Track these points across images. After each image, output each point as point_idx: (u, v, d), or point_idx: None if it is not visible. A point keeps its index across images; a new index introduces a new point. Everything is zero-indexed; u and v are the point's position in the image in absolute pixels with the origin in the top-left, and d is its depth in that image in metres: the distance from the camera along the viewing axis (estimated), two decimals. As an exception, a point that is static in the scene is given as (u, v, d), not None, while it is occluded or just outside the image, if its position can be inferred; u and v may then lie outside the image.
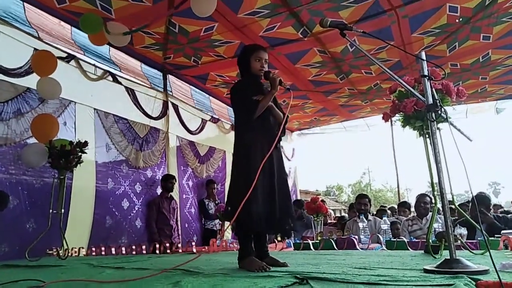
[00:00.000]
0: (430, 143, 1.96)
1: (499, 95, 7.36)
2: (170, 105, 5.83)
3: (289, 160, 9.10)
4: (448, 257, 1.74)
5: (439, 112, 1.86)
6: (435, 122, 1.88)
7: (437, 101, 1.88)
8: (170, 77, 5.86)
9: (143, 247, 3.74)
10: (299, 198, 8.96)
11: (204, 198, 6.29)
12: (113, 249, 3.66)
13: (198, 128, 6.43)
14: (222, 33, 4.57)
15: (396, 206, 7.29)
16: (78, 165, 3.61)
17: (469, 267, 1.63)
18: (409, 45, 5.07)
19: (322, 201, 4.39)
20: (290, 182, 8.97)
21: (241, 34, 4.57)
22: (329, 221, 6.81)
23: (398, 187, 9.13)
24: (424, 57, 2.00)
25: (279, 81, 2.30)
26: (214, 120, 6.95)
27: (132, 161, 5.07)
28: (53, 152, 3.49)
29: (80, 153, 3.61)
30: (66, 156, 3.53)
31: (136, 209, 5.05)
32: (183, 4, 3.49)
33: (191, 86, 6.26)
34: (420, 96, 1.97)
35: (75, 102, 4.33)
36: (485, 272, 1.57)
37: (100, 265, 2.43)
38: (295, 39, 4.80)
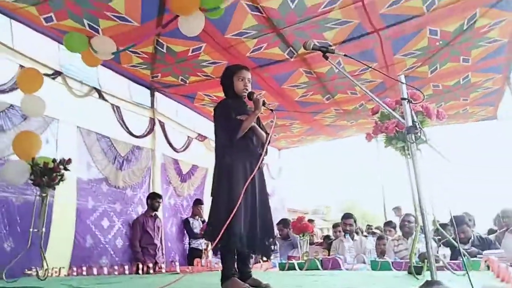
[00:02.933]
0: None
1: (480, 116, 7.54)
2: (157, 122, 5.82)
3: (273, 178, 9.06)
4: (430, 279, 1.75)
5: (419, 134, 1.91)
6: (415, 143, 1.92)
7: (416, 123, 1.93)
8: (158, 95, 5.87)
9: (126, 267, 3.67)
10: (286, 217, 8.93)
11: (189, 217, 6.21)
12: (94, 270, 3.57)
13: (183, 146, 6.41)
14: (209, 54, 4.62)
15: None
16: (61, 182, 3.57)
17: (448, 288, 1.64)
18: (391, 66, 5.20)
19: (310, 220, 4.37)
20: (275, 201, 8.98)
21: (229, 54, 4.62)
22: (315, 240, 6.78)
23: (384, 206, 9.19)
24: (403, 80, 2.06)
25: (262, 102, 2.32)
26: (201, 138, 6.94)
27: (112, 180, 5.00)
28: (35, 169, 3.45)
29: (63, 171, 3.58)
30: (49, 173, 3.49)
31: (117, 228, 4.97)
32: (171, 23, 3.53)
33: (178, 104, 6.28)
34: (400, 118, 2.02)
35: (58, 120, 4.29)
36: (464, 293, 1.59)
37: (79, 286, 2.37)
38: (281, 60, 4.88)
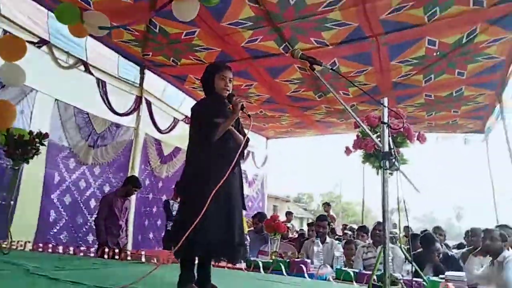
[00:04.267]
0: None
1: (468, 129, 7.60)
2: (143, 101, 5.71)
3: (257, 167, 9.03)
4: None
5: (393, 161, 1.88)
6: (387, 170, 1.90)
7: (393, 149, 1.90)
8: (147, 73, 5.73)
9: (91, 249, 3.64)
10: (265, 204, 8.96)
11: (170, 199, 6.15)
12: (60, 248, 3.53)
13: (168, 127, 6.32)
14: (203, 39, 4.51)
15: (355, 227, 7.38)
16: (35, 156, 3.49)
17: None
18: (387, 72, 5.16)
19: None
20: (256, 188, 8.97)
21: (223, 42, 4.52)
22: (290, 235, 6.81)
23: (363, 205, 9.30)
24: (386, 103, 2.01)
25: (241, 106, 2.24)
26: (188, 120, 6.84)
27: (82, 157, 4.90)
28: (10, 140, 3.37)
29: (38, 145, 3.50)
30: (24, 146, 3.41)
31: (79, 205, 4.92)
32: (165, 7, 3.41)
33: (168, 84, 6.15)
34: (378, 142, 1.99)
35: (37, 91, 4.15)
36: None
37: (36, 272, 2.32)
38: (276, 54, 4.79)
